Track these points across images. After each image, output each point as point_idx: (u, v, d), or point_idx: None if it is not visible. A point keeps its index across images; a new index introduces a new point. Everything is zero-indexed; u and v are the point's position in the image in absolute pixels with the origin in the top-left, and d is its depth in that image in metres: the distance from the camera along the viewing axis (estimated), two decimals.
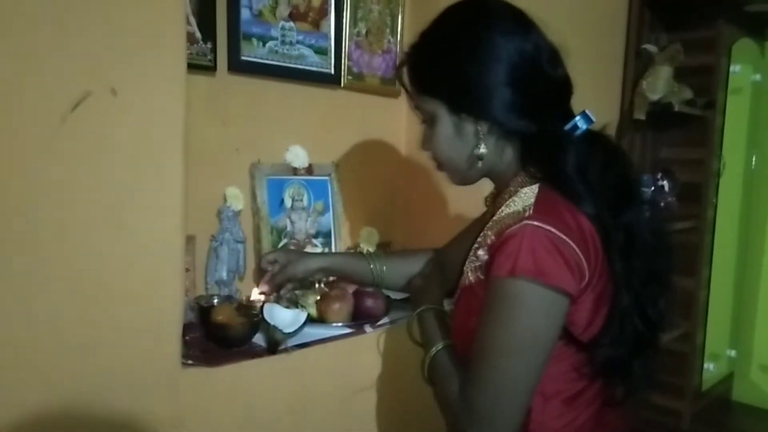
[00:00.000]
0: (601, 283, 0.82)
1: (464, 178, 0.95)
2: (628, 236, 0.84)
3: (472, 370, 0.82)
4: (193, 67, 1.18)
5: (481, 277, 0.86)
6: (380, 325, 1.26)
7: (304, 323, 1.14)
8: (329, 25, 1.51)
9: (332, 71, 1.53)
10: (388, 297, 1.33)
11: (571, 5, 1.71)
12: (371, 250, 1.57)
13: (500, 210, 0.88)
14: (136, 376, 0.91)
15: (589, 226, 0.81)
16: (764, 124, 2.52)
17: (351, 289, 1.30)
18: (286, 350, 1.08)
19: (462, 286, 0.91)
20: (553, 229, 0.77)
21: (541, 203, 0.82)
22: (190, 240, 1.24)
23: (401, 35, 1.67)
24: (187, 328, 1.03)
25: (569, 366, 0.85)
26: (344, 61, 1.55)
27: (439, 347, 0.93)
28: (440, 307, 1.02)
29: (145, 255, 0.91)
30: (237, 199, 1.34)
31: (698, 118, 2.05)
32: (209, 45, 1.29)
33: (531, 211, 0.81)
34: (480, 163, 0.90)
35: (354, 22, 1.57)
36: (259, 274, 1.17)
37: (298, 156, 1.47)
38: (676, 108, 1.94)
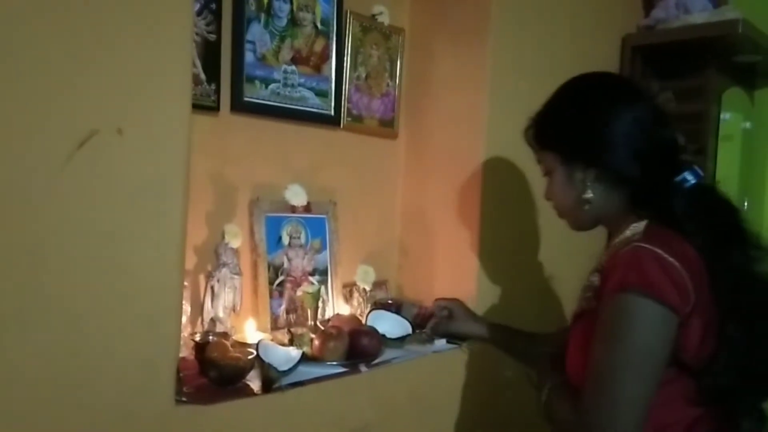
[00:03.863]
0: (709, 313, 0.85)
1: (577, 221, 1.04)
2: (734, 275, 0.88)
3: (587, 388, 0.85)
4: (197, 107, 1.20)
5: (594, 303, 0.90)
6: (375, 364, 1.26)
7: (299, 361, 1.14)
8: (330, 69, 1.55)
9: (332, 113, 1.57)
10: (383, 336, 1.33)
11: (565, 56, 1.77)
12: (371, 293, 1.57)
13: (612, 243, 0.96)
14: (130, 412, 0.90)
15: (695, 255, 0.86)
16: (755, 170, 2.56)
17: (347, 327, 1.31)
18: (280, 389, 1.08)
19: (575, 315, 0.98)
20: (659, 251, 0.83)
21: (649, 231, 0.90)
22: (186, 275, 1.25)
23: (399, 79, 1.72)
24: (181, 363, 1.02)
25: (679, 394, 0.87)
26: (344, 104, 1.59)
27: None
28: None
29: (144, 292, 0.92)
30: (235, 236, 1.35)
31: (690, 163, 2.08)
32: (213, 86, 1.32)
33: (640, 236, 0.89)
34: (587, 207, 0.98)
35: (354, 66, 1.62)
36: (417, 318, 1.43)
37: (296, 194, 1.49)
38: None
